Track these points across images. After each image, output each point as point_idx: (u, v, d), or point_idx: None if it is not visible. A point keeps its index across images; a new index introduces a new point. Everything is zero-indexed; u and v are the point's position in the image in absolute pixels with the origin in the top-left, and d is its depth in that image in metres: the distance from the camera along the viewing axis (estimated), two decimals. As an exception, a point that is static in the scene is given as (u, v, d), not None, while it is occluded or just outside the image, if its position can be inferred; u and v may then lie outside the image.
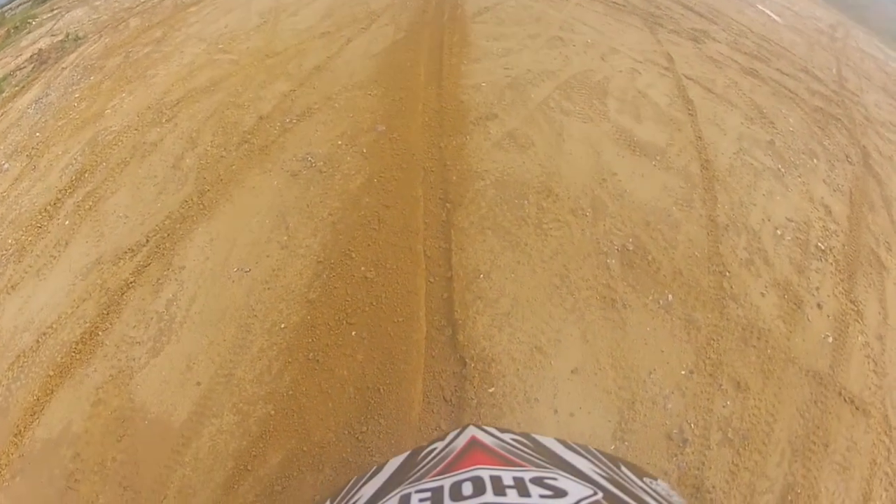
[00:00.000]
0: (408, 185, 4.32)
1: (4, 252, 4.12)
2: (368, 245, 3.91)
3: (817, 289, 4.29)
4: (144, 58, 6.06)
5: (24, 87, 6.08)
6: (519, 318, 3.60)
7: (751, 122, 5.88)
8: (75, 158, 4.77)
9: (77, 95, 5.63)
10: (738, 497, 3.20)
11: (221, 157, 4.58)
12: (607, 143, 4.96)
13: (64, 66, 6.26)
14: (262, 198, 4.24)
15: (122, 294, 3.74)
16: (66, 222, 4.23)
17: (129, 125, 5.01)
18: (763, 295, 4.09)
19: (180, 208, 4.20)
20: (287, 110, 5.03)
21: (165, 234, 4.03)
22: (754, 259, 4.30)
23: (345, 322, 3.53)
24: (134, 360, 3.42)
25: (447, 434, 1.67)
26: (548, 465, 1.32)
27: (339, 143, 4.65)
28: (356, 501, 1.43)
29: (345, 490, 1.67)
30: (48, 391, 3.34)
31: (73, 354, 3.48)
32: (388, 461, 1.67)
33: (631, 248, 4.08)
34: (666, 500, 1.41)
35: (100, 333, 3.56)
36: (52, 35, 7.13)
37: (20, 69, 6.48)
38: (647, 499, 1.29)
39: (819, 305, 4.18)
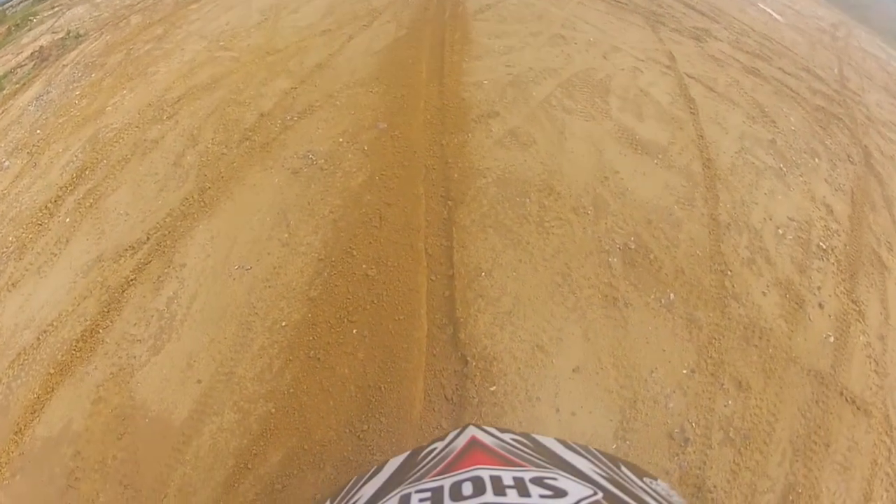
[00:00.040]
0: (409, 182, 4.31)
1: (5, 250, 4.11)
2: (370, 243, 3.90)
3: (819, 288, 4.28)
4: (145, 55, 6.05)
5: (24, 84, 6.07)
6: (520, 316, 3.59)
7: (752, 120, 5.87)
8: (76, 156, 4.76)
9: (78, 93, 5.62)
10: (739, 497, 3.19)
11: (222, 154, 4.57)
12: (609, 141, 4.95)
13: (65, 63, 6.25)
14: (263, 195, 4.23)
15: (123, 292, 3.74)
16: (67, 220, 4.22)
17: (129, 122, 5.00)
18: (765, 294, 4.09)
19: (181, 206, 4.19)
20: (288, 108, 5.02)
21: (166, 232, 4.03)
22: (756, 258, 4.29)
23: (346, 320, 3.53)
24: (135, 357, 3.42)
25: (447, 434, 1.67)
26: (548, 465, 1.32)
27: (341, 140, 4.64)
28: (356, 501, 1.43)
29: (345, 490, 1.66)
30: (49, 389, 3.33)
31: (74, 352, 3.47)
32: (387, 461, 1.67)
33: (633, 247, 4.08)
34: (666, 499, 1.41)
35: (100, 331, 3.55)
36: (53, 32, 7.11)
37: (21, 66, 6.47)
38: (647, 499, 1.28)
39: (820, 305, 4.18)
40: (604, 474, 1.36)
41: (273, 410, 3.17)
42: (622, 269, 3.94)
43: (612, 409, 3.32)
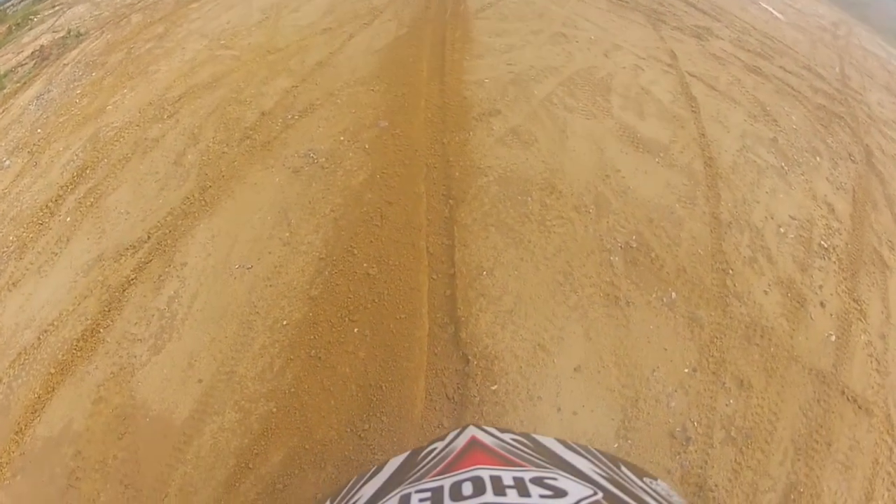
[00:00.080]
0: (410, 181, 4.30)
1: (6, 249, 4.11)
2: (371, 242, 3.89)
3: (820, 287, 4.27)
4: (146, 54, 6.04)
5: (25, 83, 6.06)
6: (522, 315, 3.59)
7: (754, 119, 5.86)
8: (77, 155, 4.75)
9: (78, 92, 5.61)
10: (740, 496, 3.19)
11: (223, 153, 4.57)
12: (610, 139, 4.94)
13: (65, 62, 6.25)
14: (264, 194, 4.22)
15: (124, 291, 3.73)
16: (68, 219, 4.22)
17: (130, 121, 5.00)
18: (766, 293, 4.08)
19: (182, 205, 4.19)
20: (289, 106, 5.01)
21: (167, 231, 4.02)
22: (757, 257, 4.28)
23: (347, 319, 3.52)
24: (135, 357, 3.42)
25: (447, 434, 1.66)
26: (548, 465, 1.31)
27: (342, 139, 4.63)
28: (356, 501, 1.43)
29: (345, 490, 1.66)
30: (49, 389, 3.33)
31: (75, 352, 3.47)
32: (388, 461, 1.67)
33: (634, 246, 4.07)
34: (666, 500, 1.40)
35: (101, 331, 3.55)
36: (54, 31, 7.11)
37: (22, 66, 6.47)
38: (647, 499, 1.28)
39: (822, 304, 4.17)
40: (604, 474, 1.36)
41: (274, 410, 3.17)
42: (624, 268, 3.94)
43: (614, 408, 3.32)
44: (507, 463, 1.30)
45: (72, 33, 6.86)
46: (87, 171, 4.56)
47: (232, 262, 3.82)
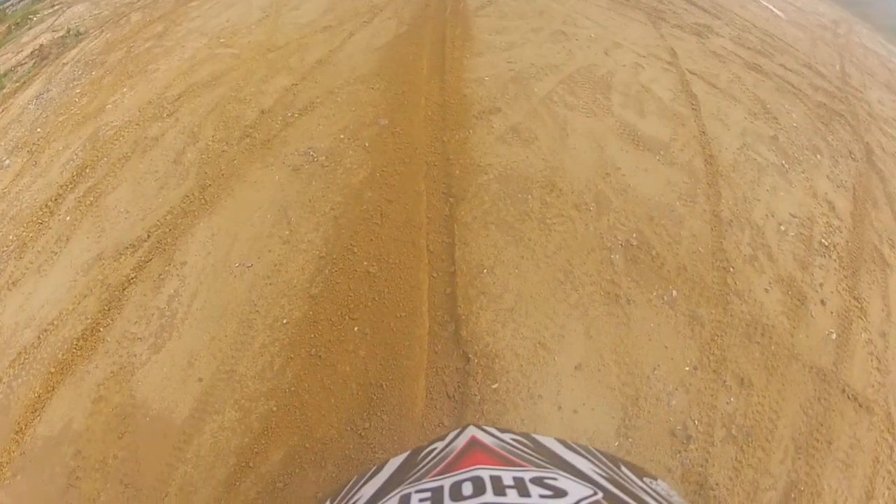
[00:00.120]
0: (410, 179, 4.30)
1: (5, 248, 4.11)
2: (371, 240, 3.89)
3: (821, 285, 4.27)
4: (146, 53, 6.03)
5: (25, 82, 6.06)
6: (522, 313, 3.58)
7: (754, 117, 5.86)
8: (76, 154, 4.75)
9: (78, 91, 5.61)
10: (741, 494, 3.19)
11: (223, 151, 4.56)
12: (611, 137, 4.94)
13: (65, 61, 6.24)
14: (264, 192, 4.22)
15: (124, 290, 3.73)
16: (67, 218, 4.21)
17: (130, 120, 4.99)
18: (767, 291, 4.08)
19: (181, 203, 4.18)
20: (289, 104, 5.00)
21: (167, 230, 4.02)
22: (758, 255, 4.28)
23: (347, 317, 3.52)
24: (135, 356, 3.41)
25: (447, 434, 1.66)
26: (548, 465, 1.31)
27: (342, 137, 4.63)
28: (356, 501, 1.42)
29: (345, 490, 1.65)
30: (49, 388, 3.33)
31: (75, 351, 3.47)
32: (387, 461, 1.66)
33: (635, 244, 4.07)
34: (666, 499, 1.40)
35: (101, 330, 3.55)
36: (53, 31, 7.10)
37: (21, 65, 6.46)
38: (647, 499, 1.28)
39: (822, 302, 4.17)
40: (604, 474, 1.35)
41: (274, 408, 3.17)
42: (624, 266, 3.93)
43: (615, 406, 3.32)
44: (507, 463, 1.30)
45: (71, 32, 6.86)
46: (87, 170, 4.55)
47: (232, 260, 3.81)
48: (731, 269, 4.10)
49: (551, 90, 5.34)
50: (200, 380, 3.28)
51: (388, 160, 4.43)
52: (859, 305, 4.25)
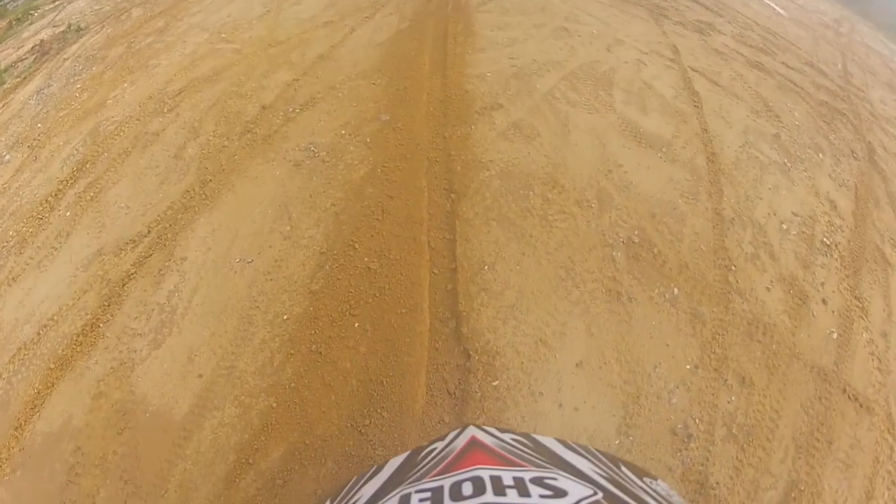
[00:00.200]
0: (412, 175, 4.29)
1: (5, 244, 4.10)
2: (372, 236, 3.88)
3: (822, 284, 4.26)
4: (146, 48, 6.02)
5: (25, 78, 6.06)
6: (524, 310, 3.58)
7: (756, 115, 5.85)
8: (77, 149, 4.74)
9: (79, 86, 5.60)
10: (742, 493, 3.19)
11: (224, 146, 4.55)
12: (613, 134, 4.92)
13: (66, 56, 6.23)
14: (265, 188, 4.21)
15: (124, 285, 3.73)
16: (68, 213, 4.21)
17: (130, 115, 4.98)
18: (768, 290, 4.07)
19: (182, 199, 4.17)
20: (290, 100, 4.99)
21: (167, 225, 4.01)
22: (760, 253, 4.27)
23: (348, 314, 3.51)
24: (135, 352, 3.41)
25: (447, 434, 1.66)
26: (548, 465, 1.31)
27: (343, 132, 4.61)
28: (356, 501, 1.42)
29: (345, 490, 1.66)
30: (49, 384, 3.32)
31: (75, 347, 3.46)
32: (388, 461, 1.66)
33: (636, 241, 4.06)
34: (666, 499, 1.40)
35: (101, 325, 3.54)
36: (54, 26, 7.10)
37: (22, 60, 6.46)
38: (647, 499, 1.28)
39: (824, 301, 4.16)
40: (604, 474, 1.35)
41: (274, 405, 3.16)
42: (626, 264, 3.92)
43: (616, 404, 3.31)
44: (507, 463, 1.30)
45: (72, 28, 6.85)
46: (87, 166, 4.55)
47: (232, 256, 3.81)
48: (733, 268, 4.10)
49: (553, 86, 5.33)
50: (200, 376, 3.28)
51: (390, 156, 4.41)
52: (861, 305, 4.25)
